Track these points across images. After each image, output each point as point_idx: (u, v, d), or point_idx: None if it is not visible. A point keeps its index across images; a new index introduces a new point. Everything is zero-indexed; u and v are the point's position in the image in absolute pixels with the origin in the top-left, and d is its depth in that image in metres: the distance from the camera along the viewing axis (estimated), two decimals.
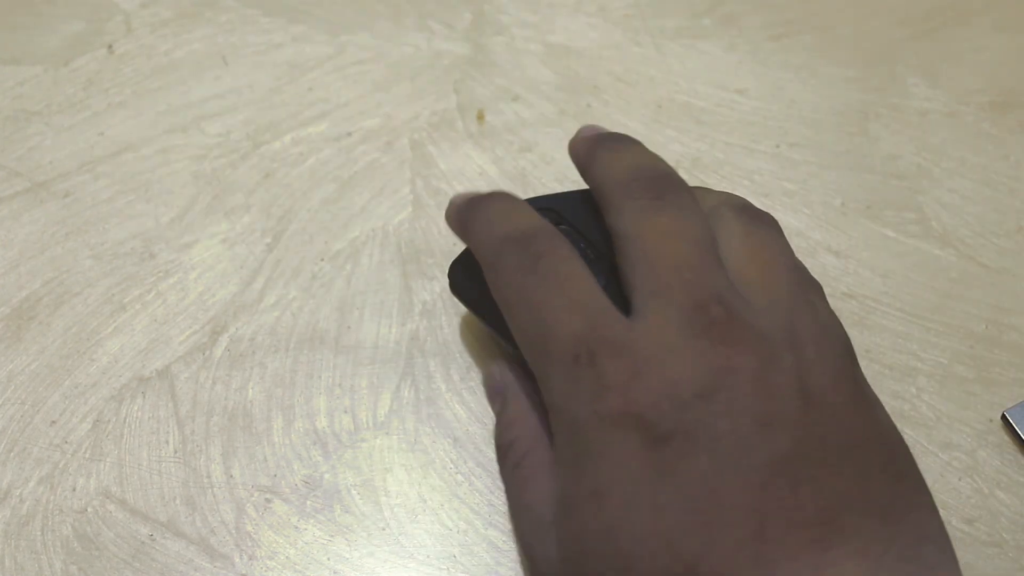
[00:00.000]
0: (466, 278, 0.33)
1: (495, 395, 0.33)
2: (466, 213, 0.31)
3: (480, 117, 0.40)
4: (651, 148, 0.39)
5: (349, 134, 0.40)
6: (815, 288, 0.29)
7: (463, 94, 0.41)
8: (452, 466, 0.33)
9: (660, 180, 0.29)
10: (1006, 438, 0.33)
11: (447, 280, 0.34)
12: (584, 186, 0.33)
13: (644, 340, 0.25)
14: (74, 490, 0.33)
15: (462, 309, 0.35)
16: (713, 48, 0.42)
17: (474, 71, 0.42)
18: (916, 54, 0.42)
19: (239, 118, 0.40)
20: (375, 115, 0.40)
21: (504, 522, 0.32)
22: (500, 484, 0.32)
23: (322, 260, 0.37)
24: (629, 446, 0.24)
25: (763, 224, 0.29)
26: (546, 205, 0.34)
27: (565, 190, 0.34)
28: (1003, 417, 0.34)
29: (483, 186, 0.39)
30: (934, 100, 0.41)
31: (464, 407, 0.34)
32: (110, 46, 0.42)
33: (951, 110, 0.41)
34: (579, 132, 0.32)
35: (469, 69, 0.42)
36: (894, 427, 0.26)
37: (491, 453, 0.33)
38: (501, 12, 0.43)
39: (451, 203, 0.32)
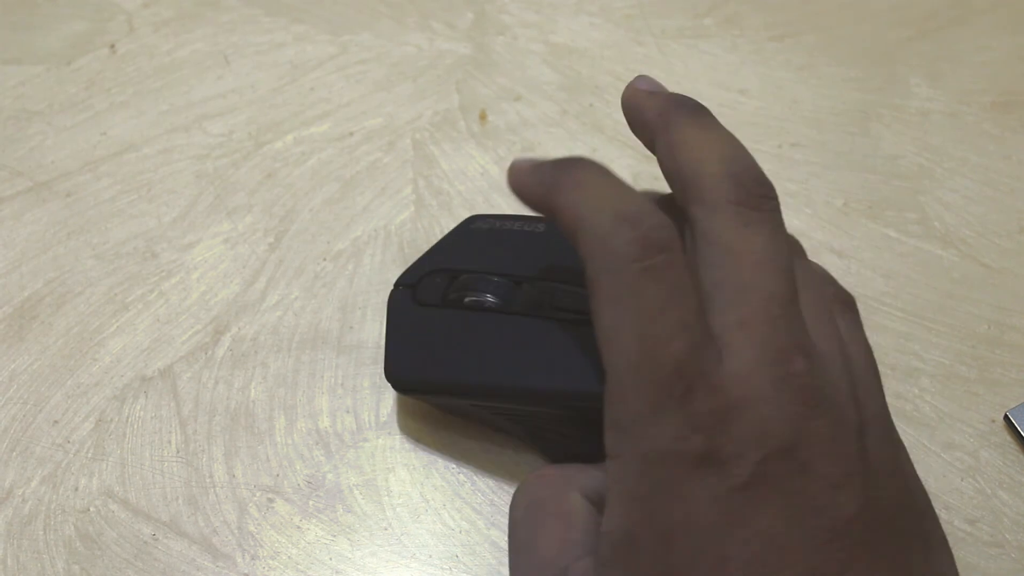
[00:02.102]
0: (413, 367, 0.32)
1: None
2: (556, 175, 0.27)
3: (482, 117, 0.40)
4: None
5: (351, 134, 0.40)
6: (853, 312, 0.28)
7: (465, 94, 0.41)
8: (454, 466, 0.33)
9: (761, 185, 0.27)
10: (1008, 438, 0.33)
11: (393, 387, 0.32)
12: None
13: (736, 383, 0.24)
14: (76, 490, 0.33)
15: None
16: (715, 48, 0.42)
17: (476, 71, 0.42)
18: (917, 54, 0.42)
19: (241, 118, 0.40)
20: (377, 115, 0.40)
21: (506, 521, 0.32)
22: (502, 484, 0.33)
23: (324, 260, 0.37)
24: (707, 492, 0.24)
25: (802, 255, 0.28)
26: (425, 269, 0.33)
27: None
28: (1005, 417, 0.34)
29: (486, 186, 0.39)
30: (935, 100, 0.41)
31: None
32: (112, 46, 0.42)
33: (952, 110, 0.41)
34: (637, 84, 0.29)
35: (471, 69, 0.42)
36: (920, 482, 0.27)
37: (494, 453, 0.33)
38: (503, 12, 0.43)
39: (520, 165, 0.29)
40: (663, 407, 0.24)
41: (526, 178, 0.28)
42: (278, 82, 0.41)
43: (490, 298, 0.31)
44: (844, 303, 0.29)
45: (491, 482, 0.33)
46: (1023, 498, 0.32)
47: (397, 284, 0.33)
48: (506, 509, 0.32)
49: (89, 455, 0.33)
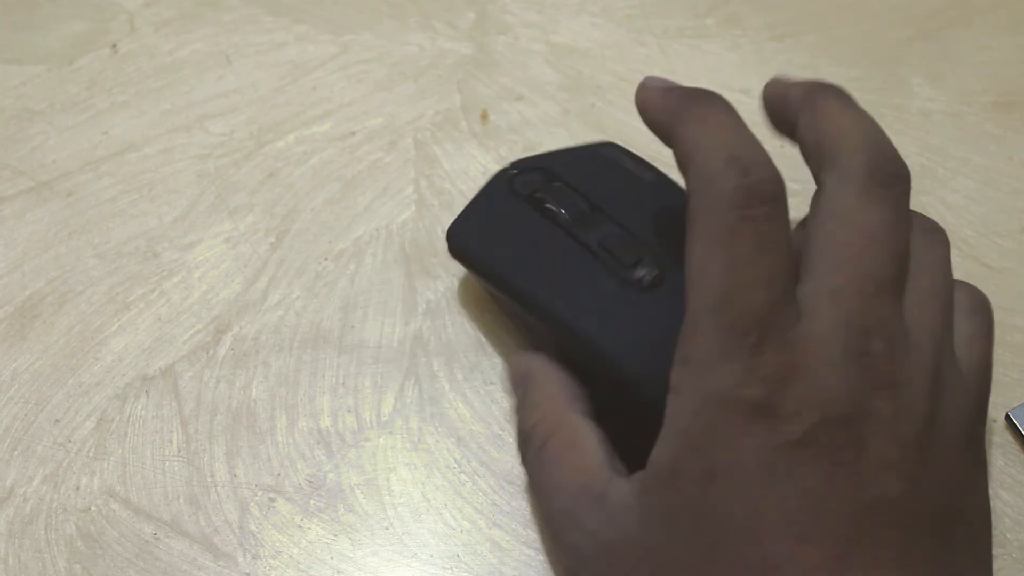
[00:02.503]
0: (470, 236, 0.33)
1: (517, 383, 0.31)
2: (683, 103, 0.28)
3: (484, 117, 0.40)
4: (655, 148, 0.39)
5: (352, 133, 0.40)
6: (984, 319, 0.29)
7: (466, 94, 0.41)
8: (456, 465, 0.33)
9: (895, 166, 0.27)
10: (1009, 438, 0.33)
11: (447, 245, 0.34)
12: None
13: (809, 345, 0.25)
14: (78, 489, 0.33)
15: (466, 308, 0.35)
16: (716, 48, 0.42)
17: (477, 71, 0.42)
18: (919, 54, 0.42)
19: (242, 117, 0.40)
20: (378, 115, 0.40)
21: (508, 522, 0.32)
22: (504, 484, 0.33)
23: (326, 259, 0.37)
24: (757, 441, 0.24)
25: (938, 244, 0.28)
26: (536, 165, 0.34)
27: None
28: (1007, 418, 0.34)
29: None
30: (937, 100, 0.41)
31: (468, 406, 0.34)
32: (114, 45, 0.42)
33: (954, 110, 0.41)
34: (776, 77, 0.30)
35: (472, 69, 0.42)
36: (987, 503, 0.27)
37: (495, 452, 0.33)
38: (505, 12, 0.43)
39: (651, 85, 0.30)
40: (732, 352, 0.24)
41: (654, 99, 0.29)
42: (279, 82, 0.41)
43: (563, 213, 0.32)
44: (978, 306, 0.29)
45: (492, 482, 0.33)
46: None
47: (511, 164, 0.35)
48: (508, 509, 0.32)
49: (90, 454, 0.33)
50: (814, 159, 0.28)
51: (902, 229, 0.26)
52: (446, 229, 0.34)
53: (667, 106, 0.29)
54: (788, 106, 0.29)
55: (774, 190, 0.26)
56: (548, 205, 0.32)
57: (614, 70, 0.42)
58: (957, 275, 0.37)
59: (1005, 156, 0.40)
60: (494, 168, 0.39)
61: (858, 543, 0.24)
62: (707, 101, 0.28)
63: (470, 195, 0.38)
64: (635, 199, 0.33)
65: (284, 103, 0.41)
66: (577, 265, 0.31)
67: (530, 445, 0.30)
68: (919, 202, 0.38)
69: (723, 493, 0.24)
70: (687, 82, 0.41)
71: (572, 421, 0.29)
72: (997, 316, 0.36)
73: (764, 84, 0.30)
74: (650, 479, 0.26)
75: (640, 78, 0.41)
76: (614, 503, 0.26)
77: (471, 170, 0.39)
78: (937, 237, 0.29)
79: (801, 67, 0.42)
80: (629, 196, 0.33)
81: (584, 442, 0.28)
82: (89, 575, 0.31)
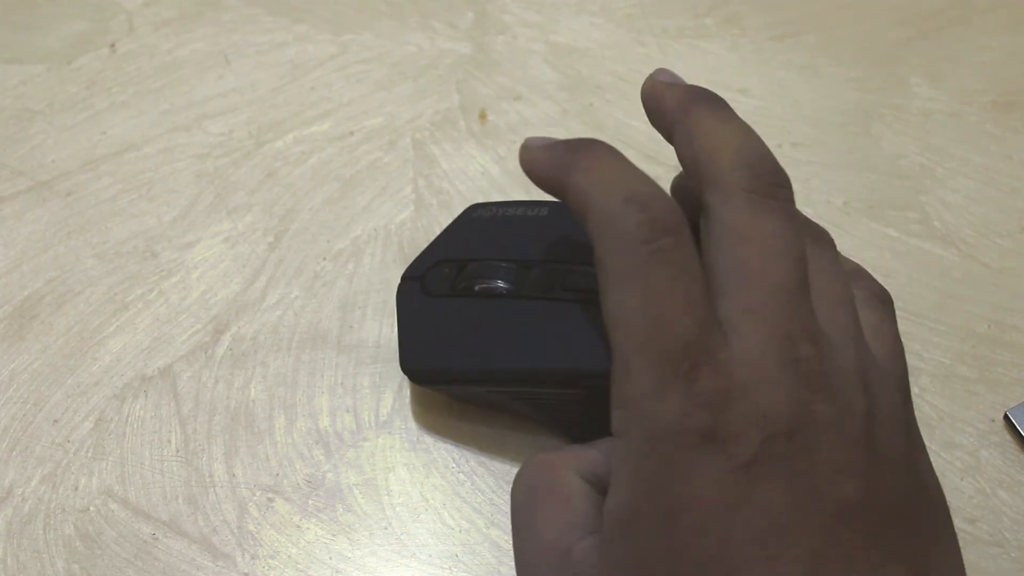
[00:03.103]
0: (429, 358, 0.32)
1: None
2: (567, 156, 0.28)
3: (482, 116, 0.40)
4: (653, 148, 0.39)
5: (351, 133, 0.40)
6: (886, 307, 0.29)
7: (465, 93, 0.41)
8: (454, 465, 0.33)
9: (775, 175, 0.27)
10: (1008, 438, 0.33)
11: (410, 378, 0.32)
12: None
13: (741, 365, 0.24)
14: (76, 489, 0.33)
15: None
16: (716, 48, 0.42)
17: (476, 71, 0.42)
18: (918, 54, 0.42)
19: (242, 117, 0.40)
20: (377, 114, 0.40)
21: (507, 521, 0.32)
22: (503, 483, 0.33)
23: (324, 259, 0.37)
24: (710, 470, 0.24)
25: (827, 246, 0.28)
26: (431, 261, 0.33)
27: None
28: (1005, 417, 0.34)
29: (485, 186, 0.39)
30: (937, 100, 0.41)
31: (466, 406, 0.34)
32: (113, 45, 0.42)
33: (954, 110, 0.41)
34: (657, 76, 0.30)
35: (471, 68, 0.42)
36: (936, 480, 0.27)
37: (494, 452, 0.33)
38: (504, 12, 0.43)
39: (533, 144, 0.29)
40: (669, 384, 0.24)
41: (538, 157, 0.29)
42: (279, 81, 0.41)
43: (500, 284, 0.31)
44: (875, 296, 0.29)
45: (491, 481, 0.33)
46: (1023, 497, 0.32)
47: (404, 277, 0.33)
48: (506, 509, 0.32)
49: (89, 454, 0.33)
50: (693, 177, 0.28)
51: (796, 234, 0.27)
52: (399, 360, 0.32)
53: (553, 162, 0.28)
54: (663, 115, 0.29)
55: (675, 220, 0.26)
56: (480, 286, 0.31)
57: (613, 70, 0.42)
58: (958, 275, 0.37)
59: (1005, 156, 0.39)
60: (493, 168, 0.39)
61: (829, 554, 0.23)
62: (590, 148, 0.28)
63: (468, 195, 0.38)
64: (548, 237, 0.32)
65: (283, 103, 0.41)
66: (559, 317, 0.30)
67: (522, 487, 0.29)
68: (918, 202, 0.38)
69: (686, 530, 0.24)
70: (688, 81, 0.41)
71: (568, 477, 0.28)
72: (997, 316, 0.36)
73: (644, 82, 0.30)
74: (609, 530, 0.25)
75: (640, 78, 0.41)
76: (577, 560, 0.26)
77: (470, 170, 0.39)
78: (823, 237, 0.29)
79: (801, 67, 0.42)
80: (540, 237, 0.32)
81: (573, 498, 0.27)
82: (88, 575, 0.31)
